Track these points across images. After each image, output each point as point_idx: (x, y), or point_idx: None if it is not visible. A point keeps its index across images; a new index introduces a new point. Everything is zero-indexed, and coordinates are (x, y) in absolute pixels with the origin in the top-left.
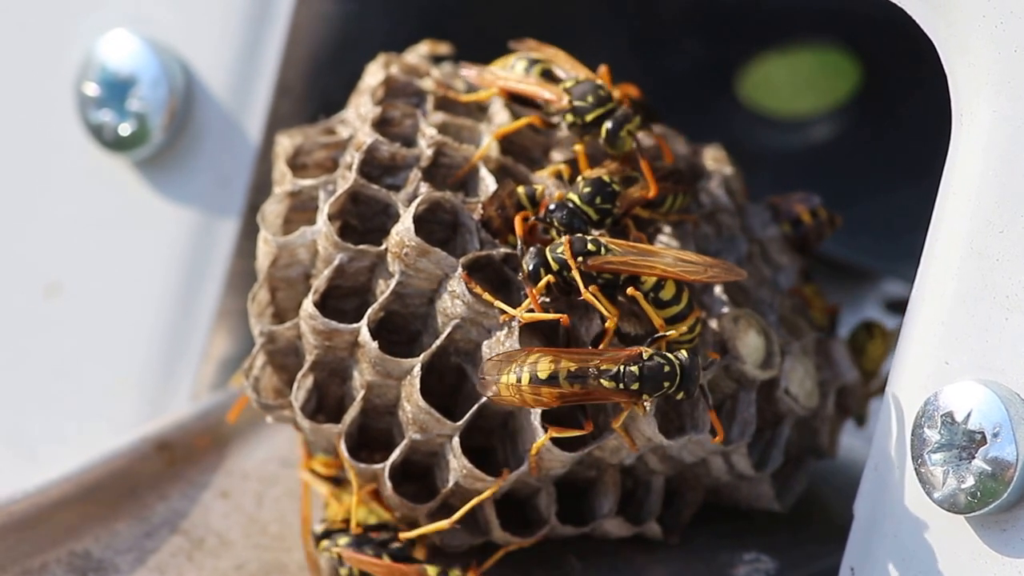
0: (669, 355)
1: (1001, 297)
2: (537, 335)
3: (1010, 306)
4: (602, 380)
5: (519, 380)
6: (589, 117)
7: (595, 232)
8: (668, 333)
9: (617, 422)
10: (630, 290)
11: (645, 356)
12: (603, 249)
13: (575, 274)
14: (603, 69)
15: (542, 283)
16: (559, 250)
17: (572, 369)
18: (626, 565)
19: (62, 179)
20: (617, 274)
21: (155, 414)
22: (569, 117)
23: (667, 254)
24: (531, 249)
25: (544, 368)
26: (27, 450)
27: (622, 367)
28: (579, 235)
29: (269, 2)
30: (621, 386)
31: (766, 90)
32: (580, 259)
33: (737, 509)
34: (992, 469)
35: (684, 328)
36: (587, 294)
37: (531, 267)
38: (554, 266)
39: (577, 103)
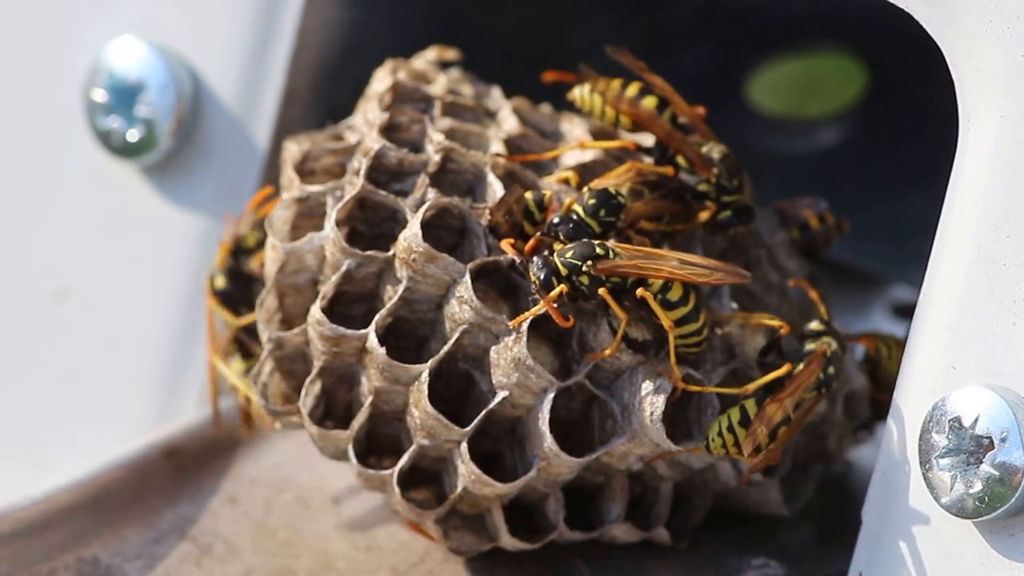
0: (827, 348)
1: (1008, 302)
2: (546, 341)
3: (1017, 311)
4: (804, 395)
5: (757, 436)
6: (725, 199)
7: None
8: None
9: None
10: (640, 291)
11: (830, 354)
12: (611, 253)
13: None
14: (700, 112)
15: (555, 292)
16: (568, 255)
17: (795, 402)
18: (634, 570)
19: (70, 185)
20: (625, 277)
21: (163, 420)
22: (704, 187)
23: (673, 257)
24: (537, 259)
25: (776, 415)
26: (35, 456)
27: (823, 374)
28: (586, 240)
29: (276, 8)
30: (824, 390)
31: (774, 95)
32: (589, 263)
33: (745, 514)
34: (1000, 474)
35: (693, 328)
36: (604, 293)
37: (542, 277)
38: (564, 271)
39: (723, 182)
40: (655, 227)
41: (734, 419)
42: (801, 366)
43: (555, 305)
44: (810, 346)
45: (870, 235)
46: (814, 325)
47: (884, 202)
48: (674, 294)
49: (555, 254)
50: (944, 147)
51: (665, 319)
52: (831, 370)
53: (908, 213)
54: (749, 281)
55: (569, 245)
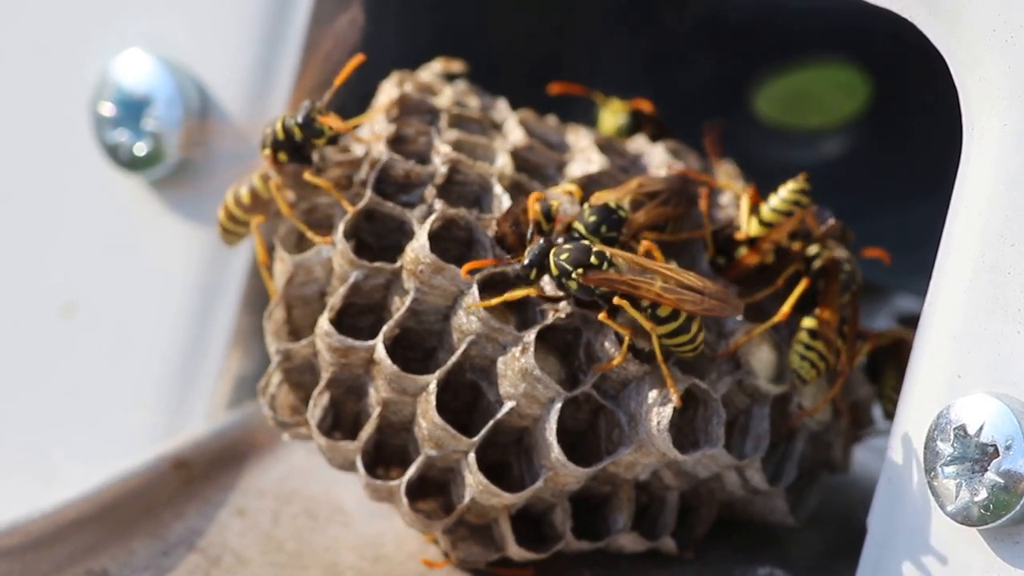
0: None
1: (1013, 310)
2: (553, 352)
3: (1022, 319)
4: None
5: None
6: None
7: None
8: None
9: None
10: (616, 299)
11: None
12: (606, 263)
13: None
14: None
15: (530, 289)
16: (563, 256)
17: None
18: None
19: (78, 199)
20: (614, 291)
21: (172, 433)
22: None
23: (671, 276)
24: (540, 243)
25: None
26: (45, 469)
27: (844, 275)
28: (585, 244)
29: (283, 21)
30: (855, 287)
31: (779, 106)
32: (580, 270)
33: (751, 523)
34: (1005, 482)
35: (684, 339)
36: (603, 318)
37: (527, 260)
38: (553, 271)
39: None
40: (657, 237)
41: (805, 339)
42: (822, 282)
43: (562, 316)
44: (817, 263)
45: (875, 245)
46: (812, 249)
47: (889, 212)
48: (663, 310)
49: (553, 251)
50: (948, 157)
51: (645, 321)
52: (847, 267)
53: (913, 223)
54: (740, 314)
55: (568, 246)
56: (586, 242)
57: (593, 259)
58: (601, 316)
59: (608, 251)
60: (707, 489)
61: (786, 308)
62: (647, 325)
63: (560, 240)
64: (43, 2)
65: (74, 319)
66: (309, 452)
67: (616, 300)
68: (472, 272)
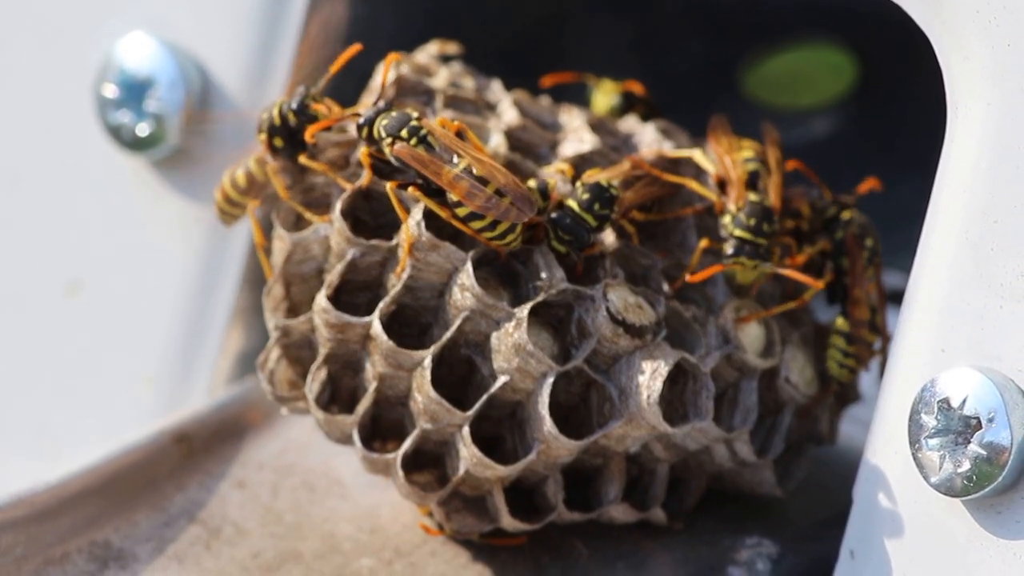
0: (851, 227)
1: (996, 285)
2: (546, 327)
3: (1004, 294)
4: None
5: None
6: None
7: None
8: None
9: None
10: (411, 188)
11: (857, 230)
12: (415, 139)
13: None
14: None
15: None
16: (383, 123)
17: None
18: (632, 550)
19: (81, 179)
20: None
21: (173, 408)
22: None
23: (477, 164)
24: (378, 107)
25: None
26: (49, 443)
27: (867, 252)
28: (406, 113)
29: (283, 5)
30: (876, 258)
31: (767, 86)
32: (389, 139)
33: (740, 495)
34: (987, 453)
35: (482, 224)
36: (390, 189)
37: (361, 119)
38: (375, 136)
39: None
40: (645, 217)
41: (842, 345)
42: (845, 260)
43: (558, 290)
44: (839, 234)
45: None
46: (831, 210)
47: (876, 191)
48: (453, 196)
49: (380, 116)
50: (933, 136)
51: (439, 208)
52: (868, 242)
53: (900, 201)
54: (526, 218)
55: (394, 114)
56: (411, 112)
57: (404, 132)
58: (410, 189)
59: (426, 128)
60: (696, 461)
61: (808, 295)
62: (442, 213)
63: (553, 220)
64: None
65: (79, 297)
66: (307, 426)
67: (411, 189)
68: (476, 259)
